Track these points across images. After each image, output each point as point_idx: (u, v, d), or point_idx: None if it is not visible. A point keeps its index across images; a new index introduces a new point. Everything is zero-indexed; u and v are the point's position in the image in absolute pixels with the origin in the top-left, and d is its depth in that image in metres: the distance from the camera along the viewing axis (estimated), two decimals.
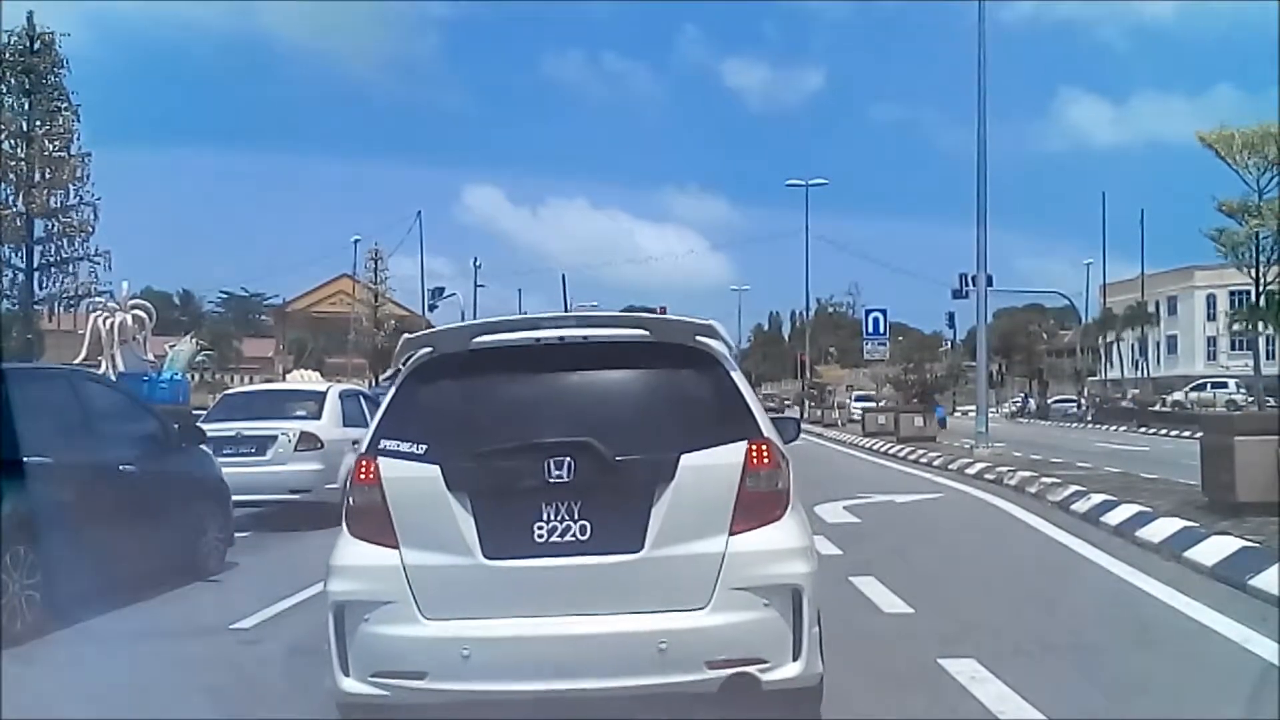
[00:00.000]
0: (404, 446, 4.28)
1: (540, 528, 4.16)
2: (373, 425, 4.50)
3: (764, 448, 4.32)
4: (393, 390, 4.65)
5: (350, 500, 4.38)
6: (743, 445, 4.29)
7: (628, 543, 4.14)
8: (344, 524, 4.41)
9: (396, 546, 4.21)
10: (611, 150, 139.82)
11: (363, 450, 4.39)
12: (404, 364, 4.71)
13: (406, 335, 5.15)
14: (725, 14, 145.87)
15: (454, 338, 4.66)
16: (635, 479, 4.19)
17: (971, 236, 22.83)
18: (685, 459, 4.20)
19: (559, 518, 4.17)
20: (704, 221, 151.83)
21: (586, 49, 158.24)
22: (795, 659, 4.16)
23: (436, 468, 4.20)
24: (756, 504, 4.26)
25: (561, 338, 4.51)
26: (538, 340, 4.51)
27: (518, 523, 4.16)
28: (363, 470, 4.33)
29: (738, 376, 4.57)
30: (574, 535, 4.16)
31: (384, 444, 4.33)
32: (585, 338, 4.52)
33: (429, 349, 4.63)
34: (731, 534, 4.20)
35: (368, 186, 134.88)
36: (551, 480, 4.15)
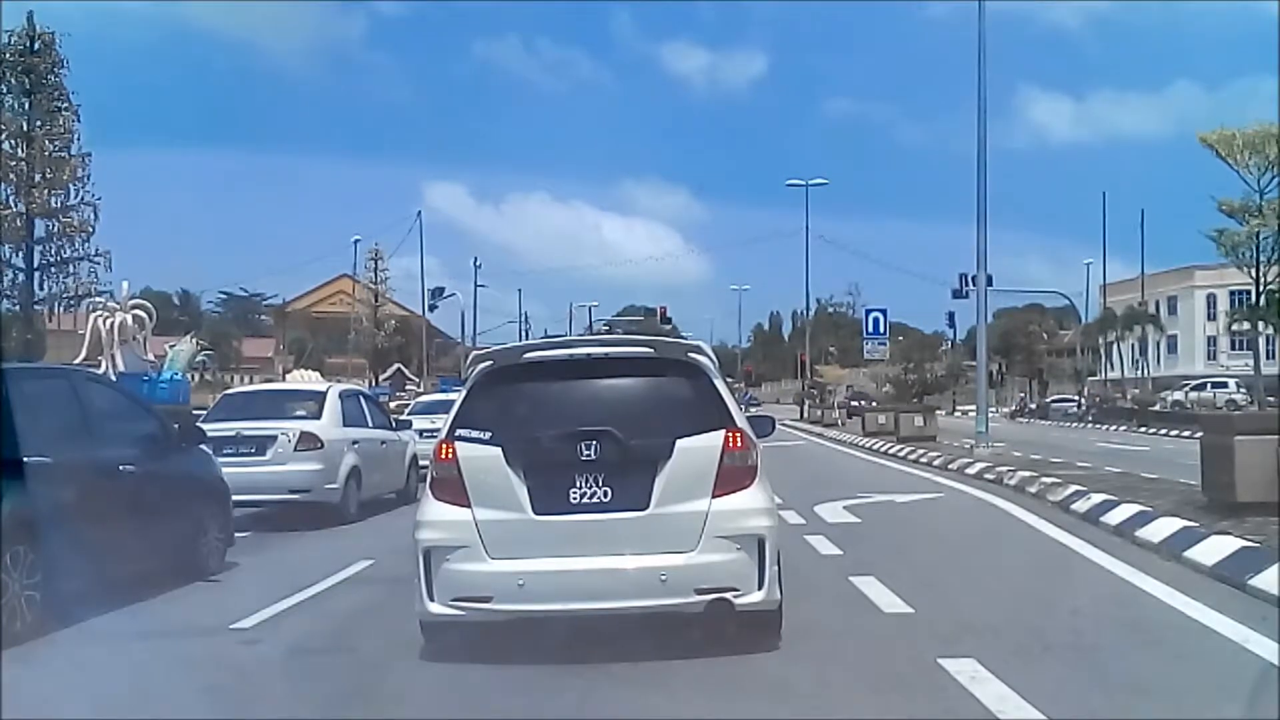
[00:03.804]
0: (474, 433, 5.73)
1: (574, 492, 5.60)
2: (449, 418, 5.93)
3: (738, 435, 5.77)
4: (464, 392, 6.14)
5: (434, 473, 5.83)
6: (722, 433, 5.74)
7: (638, 503, 5.59)
8: (428, 490, 5.87)
9: (469, 506, 5.64)
10: (609, 152, 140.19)
11: (442, 436, 5.84)
12: (472, 373, 6.22)
13: (475, 352, 7.42)
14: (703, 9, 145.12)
15: (509, 354, 6.22)
16: (643, 456, 5.62)
17: (971, 236, 22.84)
18: (680, 442, 5.65)
19: (588, 485, 5.60)
20: (704, 222, 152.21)
21: (584, 47, 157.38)
22: (760, 588, 5.61)
23: (499, 449, 5.65)
24: (732, 475, 5.70)
25: (589, 354, 6.05)
26: (572, 355, 6.03)
27: (558, 488, 5.59)
28: (443, 451, 5.76)
29: (719, 383, 6.02)
30: (599, 498, 5.60)
31: (459, 431, 5.77)
32: (606, 354, 6.05)
33: (490, 362, 6.17)
34: (713, 497, 5.63)
35: (357, 186, 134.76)
36: (583, 458, 5.59)
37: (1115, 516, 10.64)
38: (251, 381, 43.06)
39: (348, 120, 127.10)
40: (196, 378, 41.88)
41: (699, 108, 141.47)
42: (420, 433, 15.58)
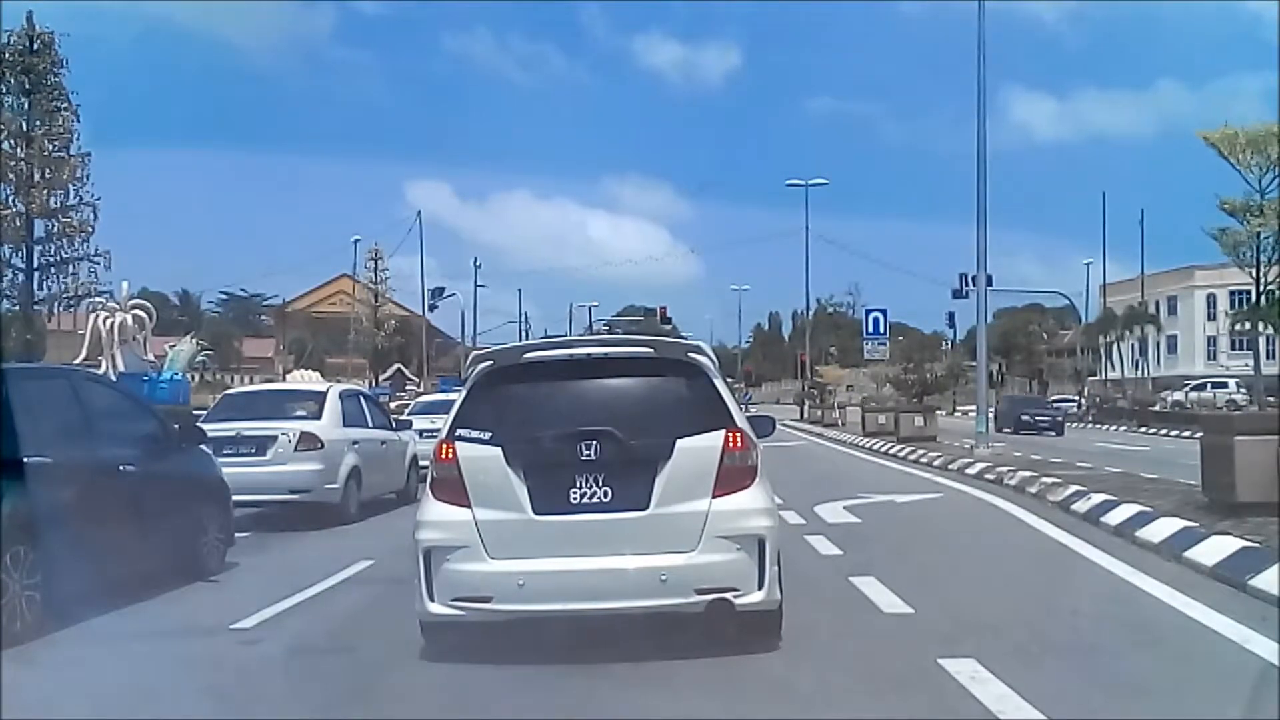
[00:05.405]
0: (474, 434, 5.74)
1: (575, 492, 5.60)
2: (450, 418, 5.94)
3: (738, 435, 5.76)
4: (464, 392, 6.15)
5: (434, 473, 5.84)
6: (722, 433, 5.73)
7: (638, 503, 5.58)
8: (429, 490, 5.89)
9: (469, 506, 5.65)
10: (607, 152, 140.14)
11: (443, 436, 5.85)
12: (472, 373, 6.23)
13: (475, 352, 7.43)
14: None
15: (510, 354, 6.23)
16: (643, 457, 5.62)
17: (971, 236, 22.83)
18: (680, 443, 5.65)
19: (588, 485, 5.60)
20: (704, 222, 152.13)
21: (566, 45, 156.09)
22: (760, 588, 5.62)
23: (499, 449, 5.66)
24: (732, 476, 5.70)
25: (589, 354, 6.04)
26: (572, 355, 6.03)
27: (558, 488, 5.60)
28: (444, 451, 5.77)
29: (719, 383, 6.02)
30: (599, 498, 5.60)
31: (459, 432, 5.78)
32: (606, 354, 6.05)
33: (490, 362, 6.18)
34: (714, 497, 5.63)
35: (356, 187, 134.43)
36: (583, 458, 5.58)
37: (1115, 517, 10.65)
38: (251, 381, 43.09)
39: (342, 120, 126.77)
40: (196, 378, 41.91)
41: (694, 106, 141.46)
42: (420, 433, 15.57)
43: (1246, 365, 50.64)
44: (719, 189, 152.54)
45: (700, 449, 5.68)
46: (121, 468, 7.80)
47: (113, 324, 31.97)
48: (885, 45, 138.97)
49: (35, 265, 35.16)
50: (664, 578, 5.54)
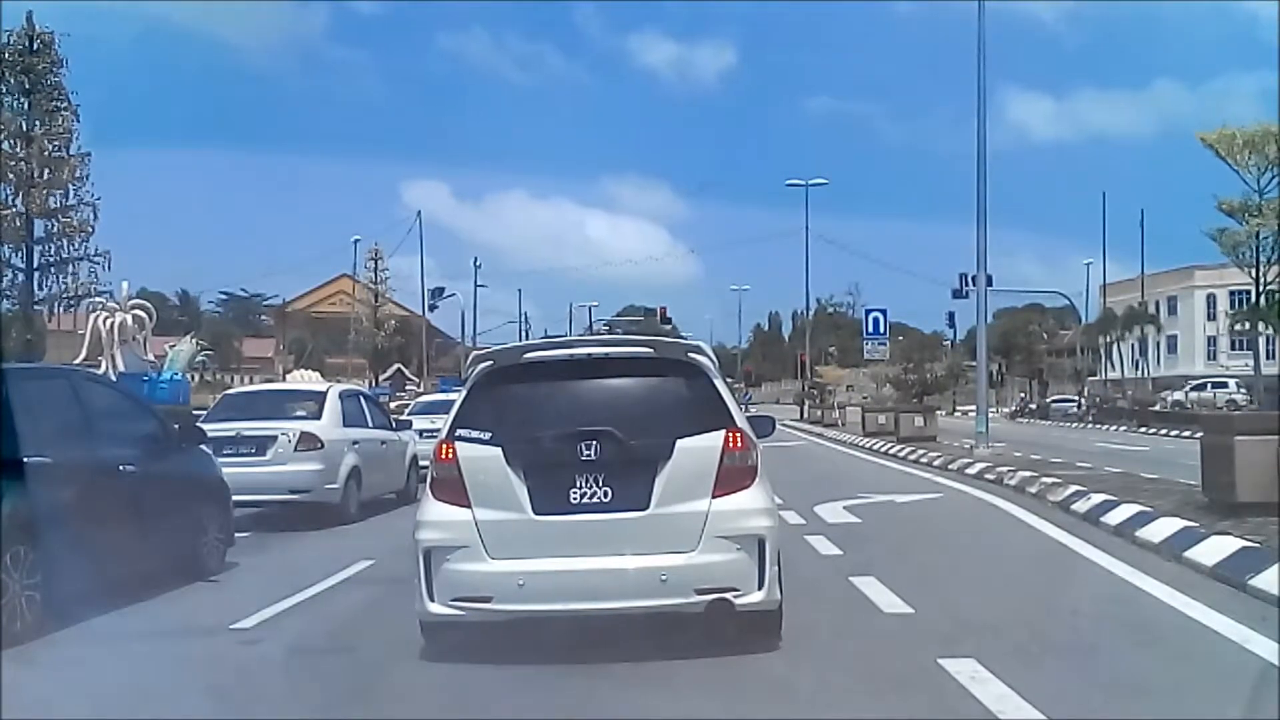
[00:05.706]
0: (474, 434, 5.75)
1: (575, 492, 5.61)
2: (450, 418, 5.95)
3: (738, 435, 5.77)
4: (464, 392, 6.16)
5: (434, 473, 5.85)
6: (722, 433, 5.74)
7: (638, 503, 5.59)
8: (429, 490, 5.89)
9: (469, 506, 5.65)
10: (609, 152, 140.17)
11: (443, 436, 5.86)
12: (472, 373, 6.25)
13: (475, 352, 7.50)
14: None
15: (510, 354, 6.24)
16: (643, 457, 5.63)
17: (971, 236, 22.81)
18: (680, 443, 5.65)
19: (588, 485, 5.61)
20: (704, 222, 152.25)
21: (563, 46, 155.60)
22: (760, 588, 5.62)
23: (499, 449, 5.67)
24: (732, 476, 5.70)
25: (589, 354, 6.06)
26: (572, 355, 6.05)
27: (558, 488, 5.60)
28: (444, 451, 5.78)
29: (719, 383, 6.03)
30: (599, 498, 5.61)
31: (459, 432, 5.79)
32: (606, 354, 6.08)
33: (491, 362, 6.20)
34: (714, 497, 5.63)
35: (356, 187, 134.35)
36: (583, 458, 5.59)
37: (1115, 516, 10.64)
38: (251, 381, 43.09)
39: (340, 120, 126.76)
40: (196, 378, 41.91)
41: (693, 106, 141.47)
42: (420, 433, 15.57)
43: (1246, 365, 50.66)
44: (718, 189, 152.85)
45: (700, 449, 5.68)
46: (121, 468, 7.80)
47: (113, 324, 31.96)
48: (883, 45, 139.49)
49: (35, 265, 35.13)
50: (664, 578, 5.54)
